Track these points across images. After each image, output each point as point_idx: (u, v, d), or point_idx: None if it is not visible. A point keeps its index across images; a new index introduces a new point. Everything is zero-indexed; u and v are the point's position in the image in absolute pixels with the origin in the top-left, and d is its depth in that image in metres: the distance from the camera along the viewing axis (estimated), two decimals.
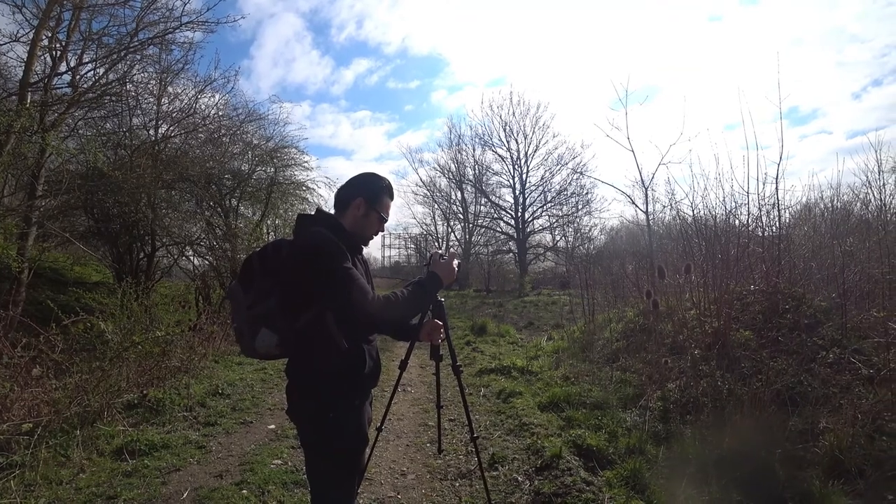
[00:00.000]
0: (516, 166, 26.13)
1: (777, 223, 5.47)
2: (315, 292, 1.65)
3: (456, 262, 1.96)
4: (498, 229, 27.91)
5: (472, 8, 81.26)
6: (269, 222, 13.64)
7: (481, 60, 68.45)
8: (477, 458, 2.75)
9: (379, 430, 2.80)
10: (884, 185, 6.59)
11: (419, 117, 68.80)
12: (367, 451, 1.99)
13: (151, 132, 10.68)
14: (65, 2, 8.16)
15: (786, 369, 3.80)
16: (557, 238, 27.74)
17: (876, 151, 6.42)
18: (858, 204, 7.50)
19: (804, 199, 7.09)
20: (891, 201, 6.75)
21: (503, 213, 27.05)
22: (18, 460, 3.28)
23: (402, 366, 2.59)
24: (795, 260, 5.27)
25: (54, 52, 8.43)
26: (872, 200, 7.20)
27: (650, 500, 2.93)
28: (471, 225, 28.69)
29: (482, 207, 28.43)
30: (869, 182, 7.09)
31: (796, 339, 4.10)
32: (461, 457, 3.87)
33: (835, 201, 7.06)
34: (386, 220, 1.94)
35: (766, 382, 3.68)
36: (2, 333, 4.47)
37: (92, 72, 8.95)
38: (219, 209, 12.12)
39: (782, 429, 3.25)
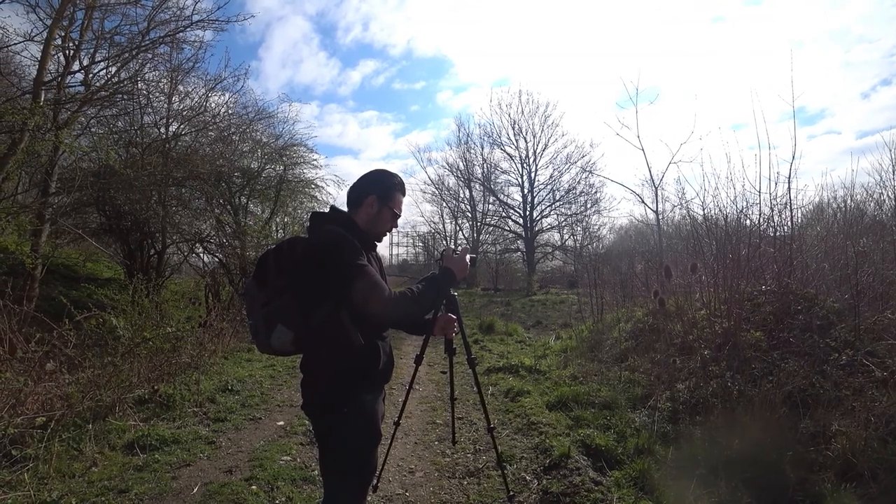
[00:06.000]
0: (525, 165, 25.98)
1: (789, 223, 5.40)
2: (330, 289, 1.66)
3: (468, 256, 1.96)
4: (506, 228, 27.78)
5: (476, 9, 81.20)
6: (278, 220, 13.74)
7: (485, 61, 68.45)
8: (494, 448, 2.78)
9: (396, 424, 2.83)
10: None
11: (425, 117, 68.90)
12: (384, 445, 2.00)
13: (162, 130, 10.78)
14: (78, 1, 8.25)
15: (797, 371, 3.76)
16: (566, 237, 27.57)
17: (890, 151, 6.34)
18: (872, 204, 7.41)
19: (817, 199, 7.01)
20: None
21: (511, 211, 26.92)
22: (32, 453, 3.32)
23: (418, 360, 2.61)
24: (808, 260, 5.20)
25: (67, 52, 8.53)
26: (887, 200, 7.11)
27: (659, 501, 2.91)
28: (479, 223, 28.59)
29: (490, 206, 28.35)
30: (883, 182, 7.00)
31: (808, 341, 4.05)
32: (469, 455, 3.88)
33: (848, 201, 6.98)
34: (399, 216, 1.95)
35: (776, 384, 3.64)
36: (16, 329, 4.54)
37: (104, 70, 9.06)
38: (228, 207, 12.21)
39: (793, 431, 3.22)
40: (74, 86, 8.61)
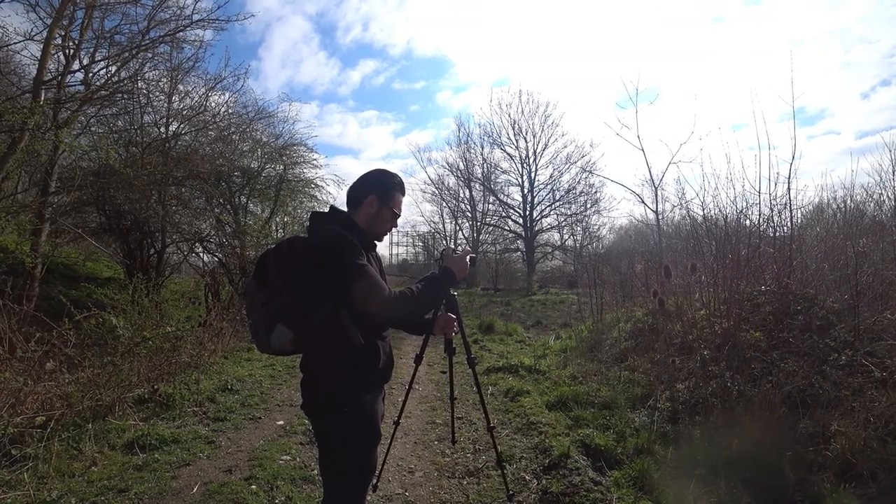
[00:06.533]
0: (525, 165, 25.95)
1: (789, 223, 5.40)
2: (330, 289, 1.66)
3: (468, 256, 1.96)
4: (506, 228, 27.77)
5: (475, 9, 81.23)
6: (277, 219, 13.76)
7: (485, 61, 68.60)
8: (494, 448, 2.79)
9: (396, 423, 2.83)
10: None
11: (425, 117, 68.97)
12: (384, 445, 2.00)
13: (162, 129, 10.79)
14: (78, 0, 8.24)
15: (797, 371, 3.76)
16: (566, 237, 27.58)
17: (890, 151, 6.34)
18: (872, 204, 7.41)
19: (816, 200, 7.01)
20: None
21: (511, 211, 26.91)
22: (32, 453, 3.32)
23: (418, 360, 2.61)
24: (807, 261, 5.20)
25: (67, 51, 8.53)
26: (886, 201, 7.12)
27: (658, 501, 2.91)
28: (479, 223, 28.60)
29: (490, 206, 28.34)
30: (882, 182, 7.01)
31: (807, 341, 4.05)
32: (469, 454, 3.88)
33: (848, 202, 6.97)
34: (398, 216, 1.96)
35: (776, 384, 3.64)
36: (16, 328, 4.54)
37: (104, 70, 9.06)
38: (228, 206, 12.21)
39: (793, 431, 3.22)
40: (74, 85, 8.62)
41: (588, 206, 25.65)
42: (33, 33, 7.60)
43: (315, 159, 14.09)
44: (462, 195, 29.32)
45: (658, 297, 5.16)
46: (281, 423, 4.54)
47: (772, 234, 5.45)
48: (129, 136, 10.39)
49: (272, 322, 1.65)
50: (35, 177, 9.30)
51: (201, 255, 12.34)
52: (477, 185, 28.06)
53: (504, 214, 27.39)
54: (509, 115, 25.86)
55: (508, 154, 26.27)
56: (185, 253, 12.21)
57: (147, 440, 3.78)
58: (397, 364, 2.12)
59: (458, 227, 30.93)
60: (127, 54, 8.94)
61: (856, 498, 2.62)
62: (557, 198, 25.95)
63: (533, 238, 25.97)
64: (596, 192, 25.34)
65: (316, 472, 3.35)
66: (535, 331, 11.49)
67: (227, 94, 11.39)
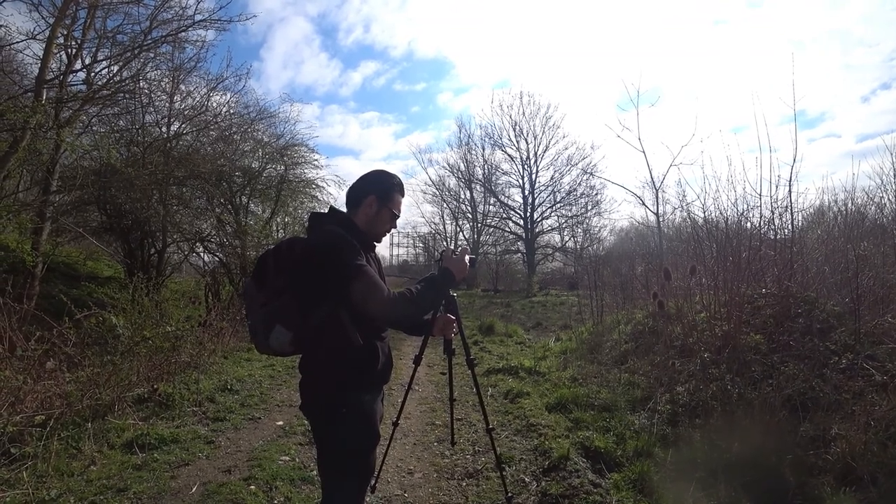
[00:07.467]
0: (526, 166, 26.02)
1: (790, 226, 5.39)
2: (329, 289, 1.66)
3: (468, 256, 1.96)
4: (507, 229, 27.82)
5: (477, 10, 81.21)
6: (278, 220, 13.76)
7: (486, 62, 68.67)
8: (493, 450, 2.78)
9: (395, 424, 2.83)
10: None
11: (426, 119, 69.06)
12: (383, 446, 2.00)
13: (164, 129, 10.80)
14: (80, 0, 8.26)
15: (797, 374, 3.75)
16: (566, 238, 27.62)
17: (891, 154, 6.34)
18: (873, 207, 7.39)
19: (817, 202, 7.00)
20: None
21: (512, 212, 26.96)
22: (31, 452, 3.32)
23: (417, 360, 2.61)
24: (808, 263, 5.19)
25: (70, 50, 8.54)
26: (887, 204, 7.09)
27: None
28: (479, 224, 28.62)
29: (491, 207, 28.38)
30: (884, 185, 6.99)
31: (808, 344, 4.04)
32: (468, 456, 3.87)
33: (849, 204, 6.96)
34: (398, 217, 1.95)
35: (776, 387, 3.63)
36: (16, 326, 4.53)
37: (106, 69, 9.08)
38: (229, 206, 12.22)
39: (793, 434, 3.21)
40: (76, 84, 8.65)
41: (589, 207, 25.75)
42: (36, 32, 7.63)
43: (316, 160, 14.12)
44: (463, 196, 29.38)
45: (658, 299, 5.16)
46: (280, 423, 4.54)
47: (772, 237, 5.45)
48: (131, 135, 10.40)
49: (271, 322, 1.65)
50: (36, 175, 9.31)
51: (202, 254, 12.36)
52: (478, 187, 28.14)
53: (505, 216, 27.43)
54: (510, 117, 25.94)
55: (509, 155, 26.35)
56: (186, 253, 12.22)
57: (146, 440, 3.77)
58: (397, 365, 2.12)
59: (458, 229, 30.97)
60: (129, 54, 8.94)
61: (856, 502, 2.61)
62: (558, 199, 26.03)
63: (533, 239, 25.98)
64: (597, 194, 25.46)
65: (315, 472, 3.35)
66: (536, 332, 11.48)
67: (228, 95, 11.43)
